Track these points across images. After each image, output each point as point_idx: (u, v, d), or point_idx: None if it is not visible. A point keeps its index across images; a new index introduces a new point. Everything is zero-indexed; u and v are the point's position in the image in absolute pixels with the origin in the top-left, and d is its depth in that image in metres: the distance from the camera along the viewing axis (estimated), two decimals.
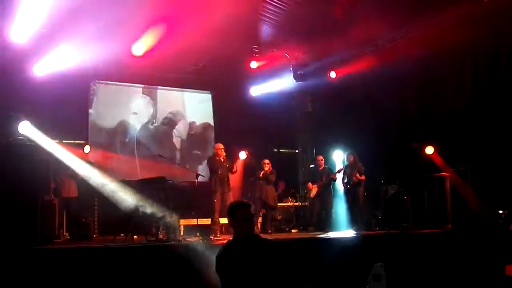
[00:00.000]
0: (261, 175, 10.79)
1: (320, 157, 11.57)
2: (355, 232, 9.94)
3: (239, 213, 4.08)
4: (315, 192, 11.15)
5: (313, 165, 12.21)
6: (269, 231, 10.50)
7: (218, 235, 9.46)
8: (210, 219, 9.71)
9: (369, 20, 10.15)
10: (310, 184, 11.40)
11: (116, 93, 12.52)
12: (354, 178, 10.73)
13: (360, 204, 10.77)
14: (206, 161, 10.89)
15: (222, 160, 9.98)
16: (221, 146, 10.12)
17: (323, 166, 11.43)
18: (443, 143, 11.11)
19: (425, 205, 11.03)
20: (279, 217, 11.76)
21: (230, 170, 10.05)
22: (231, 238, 4.21)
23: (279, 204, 11.53)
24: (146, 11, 9.74)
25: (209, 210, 9.78)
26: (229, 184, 9.99)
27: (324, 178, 11.15)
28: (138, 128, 12.68)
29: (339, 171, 11.17)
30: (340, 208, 11.17)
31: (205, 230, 9.36)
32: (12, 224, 7.19)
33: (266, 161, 10.99)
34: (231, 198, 9.87)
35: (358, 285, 4.94)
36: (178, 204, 9.15)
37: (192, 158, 13.12)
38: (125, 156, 12.18)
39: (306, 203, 12.14)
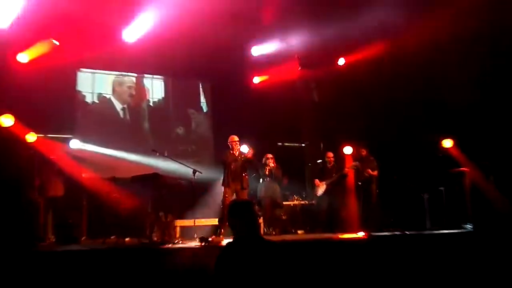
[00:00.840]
0: (266, 173, 10.72)
1: (330, 154, 11.51)
2: (366, 233, 9.84)
3: (241, 212, 4.01)
4: (323, 190, 11.08)
5: (320, 161, 12.13)
6: (273, 232, 10.42)
7: (221, 237, 9.38)
8: (217, 219, 9.59)
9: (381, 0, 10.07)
10: (317, 181, 11.32)
11: (105, 82, 12.48)
12: (366, 173, 10.66)
13: (372, 203, 10.70)
14: (202, 156, 10.82)
15: (237, 153, 9.85)
16: (235, 138, 9.96)
17: (333, 163, 11.37)
18: (463, 136, 11.02)
19: (443, 203, 10.97)
20: (284, 217, 11.65)
21: (245, 165, 9.88)
22: (231, 240, 4.11)
23: (284, 202, 11.48)
24: None
25: (207, 209, 9.71)
26: (244, 182, 9.75)
27: (334, 175, 11.08)
28: (129, 121, 12.65)
29: (352, 167, 11.08)
30: (351, 207, 11.09)
31: (203, 232, 9.28)
32: None
33: (270, 155, 10.93)
34: (245, 197, 9.69)
35: None
36: (174, 203, 9.07)
37: (188, 153, 13.04)
38: (115, 151, 12.09)
39: (313, 202, 12.05)
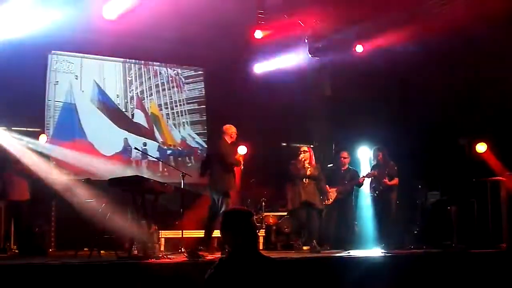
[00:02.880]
0: (308, 173, 10.53)
1: (345, 154, 11.38)
2: (383, 251, 9.90)
3: (239, 224, 4.03)
4: (333, 198, 11.07)
5: (331, 164, 12.13)
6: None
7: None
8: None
9: None
10: (327, 187, 11.32)
11: (81, 68, 12.52)
12: (383, 182, 10.68)
13: (391, 215, 10.74)
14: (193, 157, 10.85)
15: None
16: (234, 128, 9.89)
17: (347, 166, 11.34)
18: (499, 139, 11.06)
19: (474, 217, 10.99)
20: (286, 230, 11.70)
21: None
22: (224, 256, 4.16)
23: (285, 214, 11.54)
24: None
25: (197, 219, 9.75)
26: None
27: (346, 182, 11.08)
28: (108, 112, 12.72)
29: (368, 175, 11.07)
30: (366, 220, 11.13)
31: (192, 245, 9.33)
32: None
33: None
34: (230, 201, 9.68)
35: None
36: (158, 212, 9.12)
37: (180, 153, 13.15)
38: (91, 148, 12.15)
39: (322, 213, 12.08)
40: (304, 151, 10.45)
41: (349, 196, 11.14)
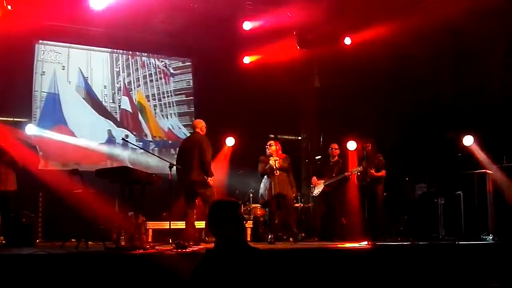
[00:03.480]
0: (277, 166, 10.49)
1: (335, 146, 11.51)
2: (370, 243, 9.93)
3: (226, 214, 4.03)
4: (320, 190, 11.12)
5: (319, 157, 12.16)
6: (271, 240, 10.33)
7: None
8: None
9: None
10: (314, 178, 11.37)
11: (68, 58, 12.47)
12: (370, 173, 10.71)
13: (378, 207, 10.76)
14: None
15: None
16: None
17: (337, 157, 11.41)
18: (486, 133, 11.10)
19: (460, 210, 11.04)
20: (275, 222, 11.71)
21: None
22: (211, 247, 4.17)
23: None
24: None
25: (184, 211, 9.77)
26: None
27: (334, 174, 11.12)
28: (93, 103, 12.69)
29: (355, 171, 11.10)
30: (352, 212, 11.16)
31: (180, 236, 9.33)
32: None
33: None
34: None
35: None
36: (146, 203, 9.10)
37: (164, 144, 13.12)
38: (78, 138, 12.12)
39: (310, 205, 12.11)
40: (270, 145, 10.50)
41: (336, 189, 11.19)
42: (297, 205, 12.28)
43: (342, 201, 11.25)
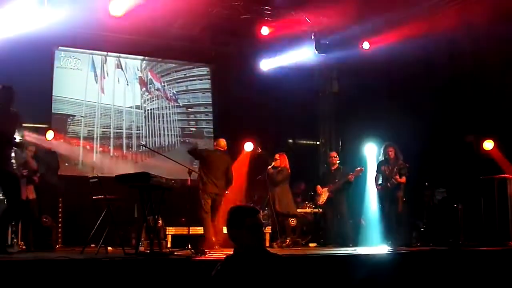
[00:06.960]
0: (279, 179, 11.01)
1: (334, 154, 11.85)
2: (390, 248, 9.90)
3: (245, 221, 4.04)
4: (325, 198, 11.24)
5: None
6: (283, 245, 10.49)
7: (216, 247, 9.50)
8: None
9: None
10: (319, 187, 11.50)
11: (88, 64, 12.56)
12: (394, 178, 10.63)
13: (398, 212, 10.72)
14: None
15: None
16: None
17: (337, 165, 11.54)
18: (506, 137, 11.03)
19: (481, 215, 10.98)
20: (293, 223, 11.73)
21: None
22: (231, 253, 4.18)
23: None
24: None
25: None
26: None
27: (337, 180, 11.19)
28: (114, 110, 12.77)
29: (357, 172, 11.20)
30: (371, 217, 11.14)
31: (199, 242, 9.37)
32: None
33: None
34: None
35: None
36: (166, 209, 9.14)
37: (184, 150, 13.15)
38: (97, 145, 12.20)
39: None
40: (275, 159, 11.02)
41: (340, 194, 11.31)
42: (315, 210, 12.29)
43: (345, 206, 11.28)
